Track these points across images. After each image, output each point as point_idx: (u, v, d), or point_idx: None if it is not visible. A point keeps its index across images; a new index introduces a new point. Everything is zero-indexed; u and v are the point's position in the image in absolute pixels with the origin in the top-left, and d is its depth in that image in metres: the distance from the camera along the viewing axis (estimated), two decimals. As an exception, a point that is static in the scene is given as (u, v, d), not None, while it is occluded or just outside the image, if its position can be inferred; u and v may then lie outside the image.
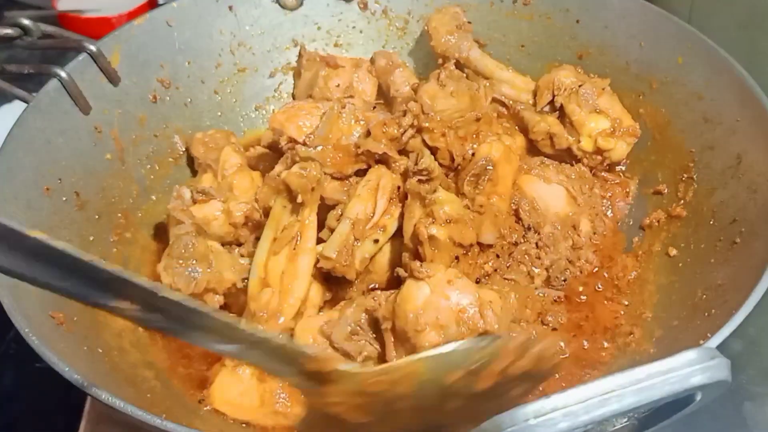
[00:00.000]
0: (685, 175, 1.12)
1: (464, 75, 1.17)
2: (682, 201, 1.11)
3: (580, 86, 1.17)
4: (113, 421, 0.99)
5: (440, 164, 1.08)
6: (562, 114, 1.18)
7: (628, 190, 1.20)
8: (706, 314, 0.90)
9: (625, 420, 0.65)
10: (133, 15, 1.57)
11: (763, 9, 1.14)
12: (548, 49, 1.32)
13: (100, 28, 1.54)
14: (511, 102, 1.23)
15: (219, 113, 1.30)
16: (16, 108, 1.40)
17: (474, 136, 1.11)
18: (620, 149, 1.17)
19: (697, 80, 1.12)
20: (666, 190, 1.15)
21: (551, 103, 1.20)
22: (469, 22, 1.28)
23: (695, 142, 1.11)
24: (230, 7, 1.29)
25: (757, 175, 0.98)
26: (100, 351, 0.89)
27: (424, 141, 1.09)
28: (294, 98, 1.36)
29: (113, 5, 1.61)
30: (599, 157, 1.17)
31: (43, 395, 1.10)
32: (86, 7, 1.61)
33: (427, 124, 1.08)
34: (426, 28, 1.30)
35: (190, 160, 1.24)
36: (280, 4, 1.34)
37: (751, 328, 1.07)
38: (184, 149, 1.25)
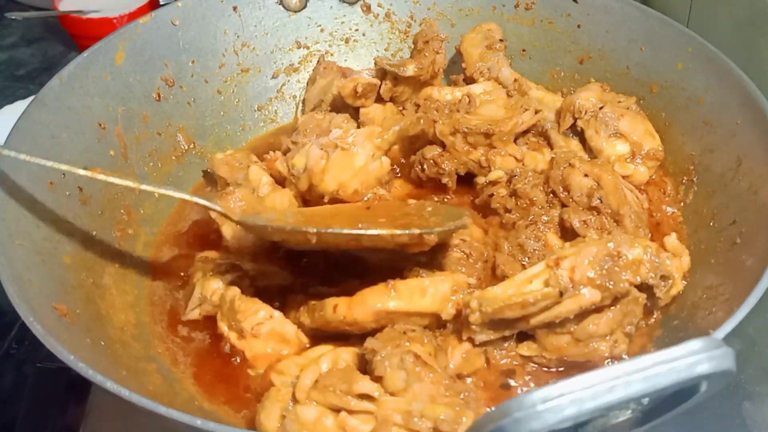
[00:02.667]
0: (686, 178, 1.13)
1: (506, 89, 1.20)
2: (683, 203, 1.12)
3: (601, 108, 1.14)
4: (114, 420, 0.99)
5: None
6: (583, 138, 1.17)
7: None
8: (707, 313, 0.90)
9: (629, 411, 0.65)
10: (134, 16, 1.58)
11: (762, 10, 1.15)
12: (549, 53, 1.33)
13: (101, 28, 1.55)
14: (539, 120, 1.21)
15: (222, 113, 1.31)
16: (18, 109, 1.41)
17: (487, 147, 1.13)
18: (640, 173, 1.14)
19: (697, 84, 1.13)
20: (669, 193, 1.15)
21: (573, 126, 1.18)
22: (501, 40, 1.28)
23: (695, 145, 1.12)
24: (234, 8, 1.30)
25: (757, 177, 0.98)
26: (103, 344, 0.89)
27: (434, 133, 1.11)
28: (303, 102, 1.38)
29: (114, 6, 1.62)
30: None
31: (43, 395, 1.09)
32: (87, 8, 1.62)
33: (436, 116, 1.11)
34: (457, 49, 1.30)
35: (185, 156, 1.26)
36: (283, 6, 1.35)
37: (749, 328, 1.08)
38: (186, 147, 1.25)
